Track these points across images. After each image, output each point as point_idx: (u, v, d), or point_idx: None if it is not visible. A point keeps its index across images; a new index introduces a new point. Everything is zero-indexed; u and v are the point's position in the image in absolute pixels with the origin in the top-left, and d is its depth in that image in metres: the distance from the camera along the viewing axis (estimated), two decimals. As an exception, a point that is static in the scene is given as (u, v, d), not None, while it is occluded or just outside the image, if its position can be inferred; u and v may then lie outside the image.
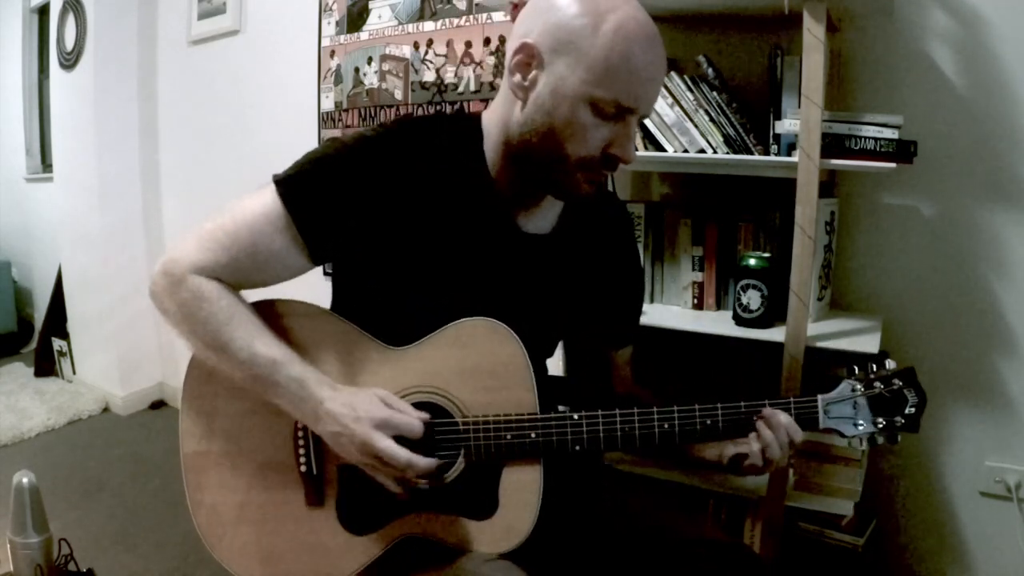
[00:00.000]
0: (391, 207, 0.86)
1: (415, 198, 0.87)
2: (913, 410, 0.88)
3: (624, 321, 1.11)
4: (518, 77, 0.84)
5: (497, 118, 0.90)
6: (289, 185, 0.85)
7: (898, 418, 0.88)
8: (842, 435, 0.89)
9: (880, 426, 0.88)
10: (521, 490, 0.87)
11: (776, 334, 1.28)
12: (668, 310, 1.47)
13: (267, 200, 0.85)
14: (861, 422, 0.89)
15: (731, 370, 1.41)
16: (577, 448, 0.87)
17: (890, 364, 0.91)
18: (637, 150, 1.38)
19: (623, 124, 0.83)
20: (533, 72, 0.83)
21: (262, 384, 0.85)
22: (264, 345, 0.84)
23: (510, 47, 0.84)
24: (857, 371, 0.91)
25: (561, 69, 0.81)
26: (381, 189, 0.86)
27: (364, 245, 0.88)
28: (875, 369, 0.91)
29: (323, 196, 0.85)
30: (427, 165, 0.88)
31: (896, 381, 0.88)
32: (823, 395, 0.89)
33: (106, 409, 2.96)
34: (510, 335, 0.87)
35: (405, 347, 0.89)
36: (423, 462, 0.82)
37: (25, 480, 1.28)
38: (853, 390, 0.89)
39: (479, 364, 0.87)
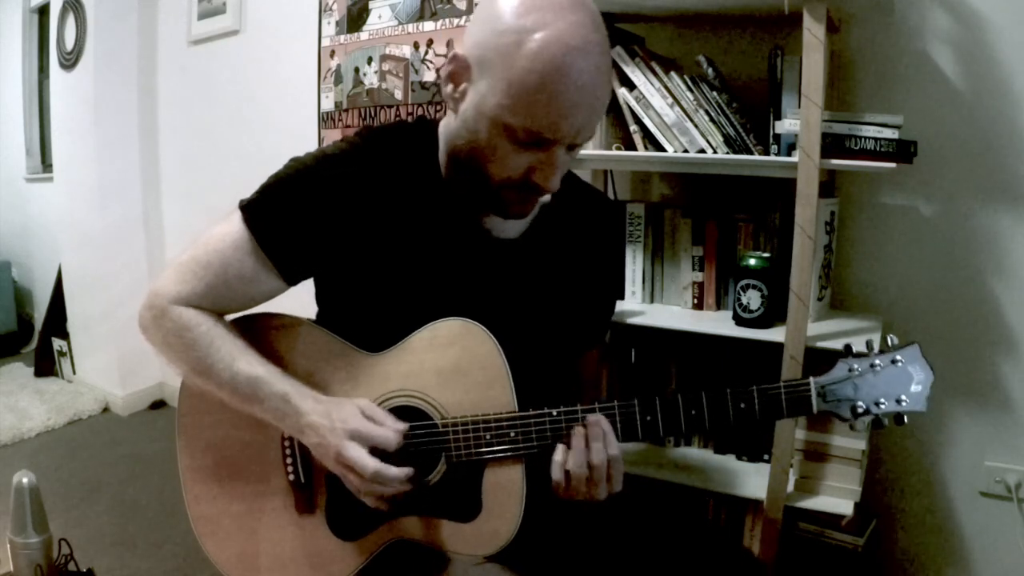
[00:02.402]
0: (356, 221, 0.86)
1: (379, 210, 0.87)
2: (919, 387, 0.80)
3: (593, 325, 1.07)
4: (450, 88, 0.81)
5: (444, 126, 0.89)
6: (253, 210, 0.86)
7: (903, 397, 0.80)
8: (841, 419, 0.82)
9: (883, 407, 0.81)
10: (504, 491, 0.86)
11: (776, 334, 1.28)
12: (668, 310, 1.47)
13: (234, 227, 0.86)
14: (861, 404, 0.81)
15: (731, 370, 1.41)
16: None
17: (892, 340, 0.83)
18: (636, 150, 1.38)
19: (546, 153, 0.77)
20: (463, 84, 0.80)
21: (247, 402, 0.86)
22: (246, 364, 0.85)
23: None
24: (855, 350, 0.84)
25: (483, 87, 0.76)
26: (344, 205, 0.86)
27: (334, 261, 0.88)
28: (875, 347, 0.83)
29: (287, 217, 0.85)
30: (387, 176, 0.87)
31: (899, 358, 0.81)
32: (816, 377, 0.82)
33: (106, 409, 2.96)
34: (485, 334, 0.86)
35: (383, 352, 0.89)
36: (392, 472, 0.80)
37: (25, 480, 1.28)
38: (851, 370, 0.82)
39: (456, 365, 0.87)
